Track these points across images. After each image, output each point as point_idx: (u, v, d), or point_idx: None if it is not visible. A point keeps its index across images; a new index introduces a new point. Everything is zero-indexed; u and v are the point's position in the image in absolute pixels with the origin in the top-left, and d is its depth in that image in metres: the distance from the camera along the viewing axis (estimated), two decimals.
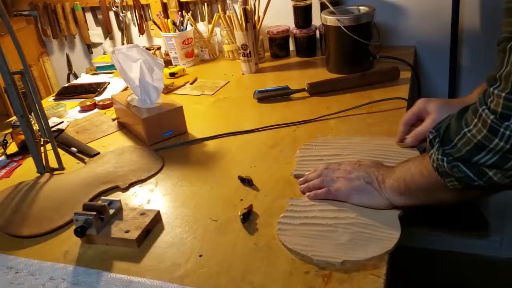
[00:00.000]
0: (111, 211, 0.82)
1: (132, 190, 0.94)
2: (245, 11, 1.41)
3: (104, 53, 1.87)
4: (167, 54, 1.69)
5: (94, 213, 0.78)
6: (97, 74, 1.68)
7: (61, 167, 1.03)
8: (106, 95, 1.46)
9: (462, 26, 1.45)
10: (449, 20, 1.44)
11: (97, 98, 1.43)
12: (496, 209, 1.69)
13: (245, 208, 0.81)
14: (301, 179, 0.87)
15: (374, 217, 0.75)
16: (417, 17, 1.50)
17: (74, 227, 0.77)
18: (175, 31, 1.61)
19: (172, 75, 1.54)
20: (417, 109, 0.93)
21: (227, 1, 1.52)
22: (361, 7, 1.37)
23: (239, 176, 0.91)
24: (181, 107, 1.13)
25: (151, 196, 0.91)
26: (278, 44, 1.59)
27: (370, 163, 0.82)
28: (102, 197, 0.87)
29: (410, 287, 1.61)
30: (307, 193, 0.83)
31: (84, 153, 1.10)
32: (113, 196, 0.92)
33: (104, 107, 1.37)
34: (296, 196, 0.84)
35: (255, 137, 1.09)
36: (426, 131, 0.86)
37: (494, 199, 1.66)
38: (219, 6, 1.64)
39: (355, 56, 1.36)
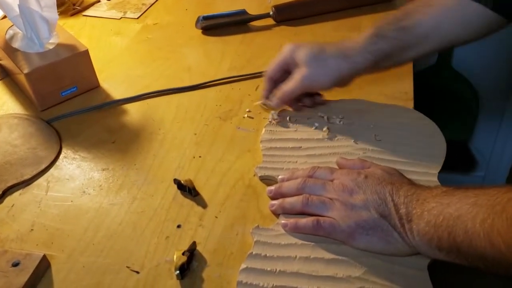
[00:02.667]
0: None
1: (8, 201, 0.60)
2: None
3: None
4: None
5: None
6: None
7: None
8: None
9: None
10: None
11: None
12: (484, 147, 1.47)
13: (184, 253, 0.50)
14: (272, 188, 0.56)
15: (391, 273, 0.47)
16: None
17: None
18: None
19: None
20: (283, 58, 0.66)
21: None
22: None
23: (175, 180, 0.59)
24: (86, 50, 0.75)
25: (38, 215, 0.58)
26: None
27: (381, 173, 0.52)
28: None
29: None
30: (283, 221, 0.52)
31: None
32: None
33: None
34: (265, 218, 0.54)
35: (200, 98, 0.75)
36: (294, 88, 0.64)
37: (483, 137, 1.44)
38: None
39: None
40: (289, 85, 0.64)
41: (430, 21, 0.61)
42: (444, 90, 1.29)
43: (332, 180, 0.53)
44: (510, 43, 1.25)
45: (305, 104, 0.68)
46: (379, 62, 0.63)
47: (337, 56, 0.63)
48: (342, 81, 0.64)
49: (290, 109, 0.68)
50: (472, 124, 1.39)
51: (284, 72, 0.67)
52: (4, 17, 0.98)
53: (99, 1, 1.05)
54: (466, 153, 1.48)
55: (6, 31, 0.81)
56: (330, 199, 0.51)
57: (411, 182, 0.51)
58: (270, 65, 0.67)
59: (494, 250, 0.38)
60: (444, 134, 0.62)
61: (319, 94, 0.68)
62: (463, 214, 0.41)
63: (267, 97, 0.68)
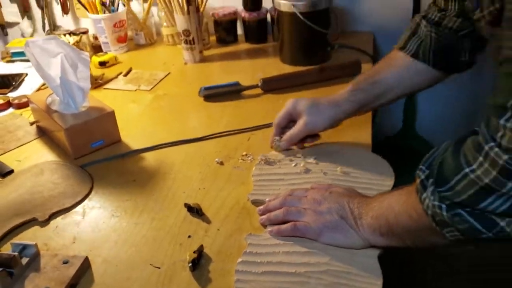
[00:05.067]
0: (24, 260, 0.65)
1: (53, 223, 0.76)
2: None
3: (22, 36, 1.62)
4: (96, 38, 1.47)
5: (0, 269, 0.61)
6: (12, 61, 1.43)
7: None
8: (24, 90, 1.24)
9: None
10: (409, 4, 1.33)
11: (12, 94, 1.21)
12: None
13: (194, 252, 0.66)
14: (261, 207, 0.73)
15: (350, 260, 0.63)
16: (376, 1, 1.37)
17: None
18: (104, 12, 1.39)
19: (102, 64, 1.33)
20: (287, 110, 0.86)
21: None
22: None
23: (185, 204, 0.76)
24: (112, 112, 0.95)
25: (77, 232, 0.74)
26: (225, 28, 1.41)
27: (342, 190, 0.70)
28: (13, 241, 0.69)
29: None
30: (269, 229, 0.69)
31: None
32: (29, 233, 0.75)
33: (21, 106, 1.15)
34: (256, 229, 0.71)
35: (203, 147, 0.93)
36: (298, 133, 0.84)
37: None
38: None
39: (312, 46, 1.22)
40: (295, 131, 0.84)
41: (393, 78, 0.84)
42: (407, 150, 1.49)
43: (306, 196, 0.70)
44: (467, 111, 1.47)
45: (308, 143, 0.87)
46: (361, 107, 0.85)
47: (330, 106, 0.84)
48: (335, 123, 0.86)
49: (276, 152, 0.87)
50: None
51: (288, 121, 0.87)
52: (43, 85, 1.20)
53: (117, 77, 1.27)
54: None
55: (46, 98, 1.01)
56: (304, 209, 0.68)
57: (364, 196, 0.68)
58: (277, 116, 0.87)
59: (412, 220, 0.56)
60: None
61: (317, 135, 0.88)
62: (392, 202, 0.59)
63: (276, 140, 0.87)
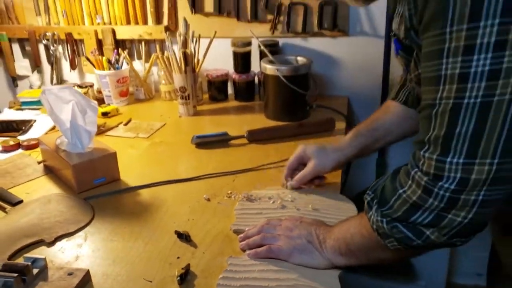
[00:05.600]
0: (35, 271, 0.75)
1: (58, 244, 0.87)
2: (185, 54, 1.39)
3: (31, 87, 1.77)
4: (99, 92, 1.62)
5: (16, 274, 0.71)
6: (22, 109, 1.57)
7: None
8: (32, 134, 1.37)
9: (392, 80, 1.53)
10: (380, 73, 1.51)
11: (21, 137, 1.34)
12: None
13: (182, 268, 0.77)
14: (241, 235, 0.85)
15: (315, 278, 0.74)
16: (351, 69, 1.56)
17: None
18: (109, 69, 1.55)
19: (105, 114, 1.48)
20: (298, 154, 1.01)
21: (166, 43, 1.49)
22: (299, 58, 1.41)
23: (175, 231, 0.88)
24: (115, 153, 1.08)
25: (80, 252, 0.84)
26: (217, 87, 1.58)
27: (311, 220, 0.82)
28: (25, 255, 0.79)
29: None
30: (247, 252, 0.80)
31: (5, 200, 1.01)
32: (37, 251, 0.85)
33: (29, 147, 1.28)
34: (236, 253, 0.82)
35: (193, 186, 1.06)
36: (308, 174, 0.98)
37: None
38: (157, 46, 1.62)
39: (293, 105, 1.38)
40: (305, 172, 0.98)
41: (389, 123, 0.99)
42: None
43: (280, 225, 0.82)
44: None
45: (315, 183, 1.01)
46: (361, 150, 0.99)
47: (334, 150, 0.99)
48: (339, 166, 0.99)
49: (258, 190, 1.00)
50: None
51: (299, 164, 1.00)
52: (50, 130, 1.33)
53: (117, 126, 1.41)
54: (407, 263, 1.75)
55: (56, 139, 1.14)
56: (278, 235, 0.80)
57: (329, 225, 0.81)
58: (289, 159, 1.01)
59: (364, 238, 0.68)
60: None
61: (324, 176, 1.01)
62: (350, 226, 0.72)
63: (287, 180, 1.00)
